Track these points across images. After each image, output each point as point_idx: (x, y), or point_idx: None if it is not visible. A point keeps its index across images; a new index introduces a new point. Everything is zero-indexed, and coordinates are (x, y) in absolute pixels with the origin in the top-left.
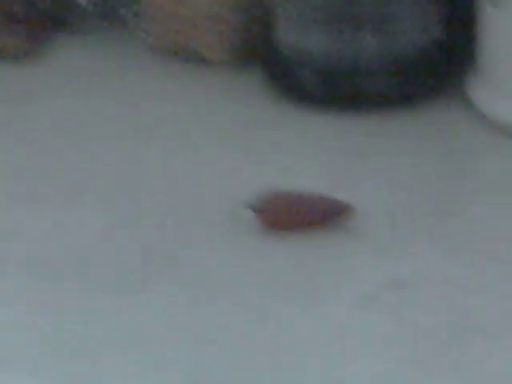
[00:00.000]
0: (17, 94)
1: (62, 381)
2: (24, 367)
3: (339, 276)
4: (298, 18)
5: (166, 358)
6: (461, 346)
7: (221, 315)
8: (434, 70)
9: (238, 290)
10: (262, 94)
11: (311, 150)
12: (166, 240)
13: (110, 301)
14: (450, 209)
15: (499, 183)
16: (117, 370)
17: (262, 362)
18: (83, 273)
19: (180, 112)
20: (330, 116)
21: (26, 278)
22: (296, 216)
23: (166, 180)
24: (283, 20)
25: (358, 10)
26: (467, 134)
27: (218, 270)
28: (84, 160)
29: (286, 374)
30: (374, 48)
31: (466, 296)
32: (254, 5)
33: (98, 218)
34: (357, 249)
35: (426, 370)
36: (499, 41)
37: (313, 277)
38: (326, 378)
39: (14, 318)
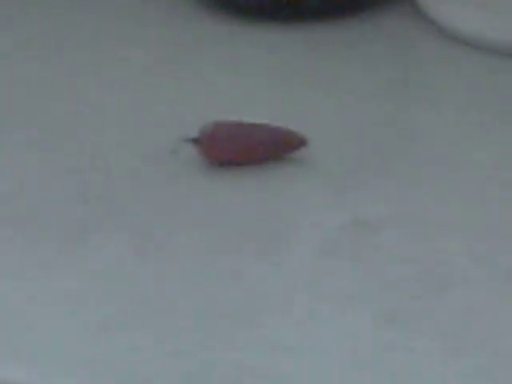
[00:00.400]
0: None
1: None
2: None
3: (295, 218)
4: None
5: (113, 313)
6: (435, 298)
7: (168, 264)
8: None
9: (184, 235)
10: (195, 9)
11: (252, 68)
12: (107, 182)
13: (53, 251)
14: (406, 127)
15: (452, 95)
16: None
17: (214, 315)
18: (22, 220)
19: (111, 28)
20: (270, 29)
21: None
22: (243, 149)
23: (101, 115)
24: None
25: None
26: (417, 43)
27: (162, 215)
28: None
29: (239, 330)
30: None
31: (438, 238)
32: None
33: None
34: (312, 186)
35: (396, 327)
36: None
37: (265, 219)
38: (283, 337)
39: None
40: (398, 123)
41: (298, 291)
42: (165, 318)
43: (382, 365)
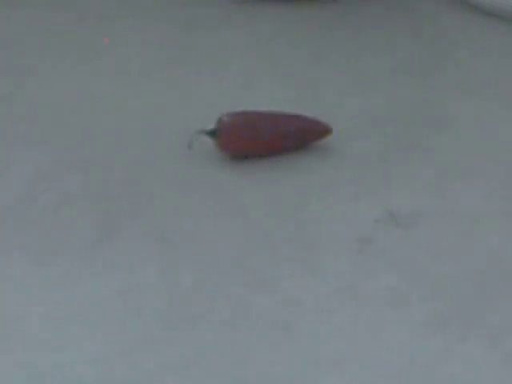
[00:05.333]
0: None
1: None
2: None
3: (326, 213)
4: None
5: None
6: (486, 299)
7: (195, 269)
8: None
9: (210, 235)
10: None
11: (266, 52)
12: (125, 178)
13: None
14: (434, 112)
15: (480, 77)
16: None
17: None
18: (36, 226)
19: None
20: (283, 7)
21: None
22: (264, 140)
23: (116, 112)
24: None
25: None
26: (442, 18)
27: (183, 214)
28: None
29: (275, 342)
30: None
31: (479, 231)
32: None
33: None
34: (340, 176)
35: (447, 332)
36: None
37: (293, 215)
38: (322, 348)
39: None
40: (424, 104)
41: (336, 296)
42: (199, 325)
43: (435, 376)
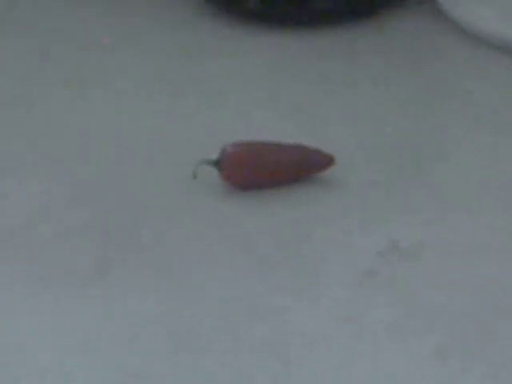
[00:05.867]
0: None
1: None
2: None
3: (328, 245)
4: None
5: None
6: (487, 331)
7: (194, 299)
8: None
9: (209, 265)
10: (200, 14)
11: (265, 81)
12: (126, 209)
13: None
14: (435, 139)
15: (481, 102)
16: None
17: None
18: (32, 255)
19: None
20: (281, 36)
21: None
22: (266, 171)
23: (117, 140)
24: None
25: None
26: (438, 44)
27: (184, 244)
28: None
29: (273, 374)
30: None
31: (483, 263)
32: None
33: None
34: (343, 208)
35: (447, 363)
36: None
37: (296, 246)
38: (323, 381)
39: None
40: (426, 134)
41: (337, 327)
42: (199, 356)
43: None
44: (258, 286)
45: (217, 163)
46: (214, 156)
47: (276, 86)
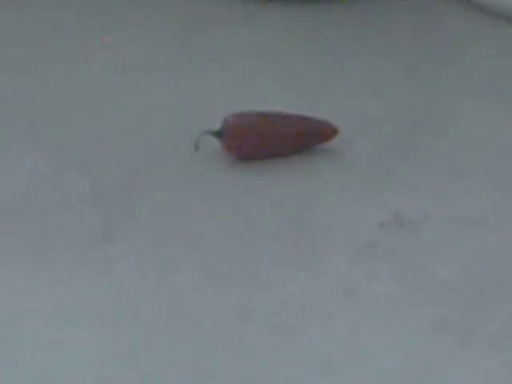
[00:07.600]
0: None
1: None
2: None
3: (331, 217)
4: None
5: None
6: (488, 303)
7: (196, 270)
8: None
9: (212, 238)
10: None
11: (269, 53)
12: (128, 179)
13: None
14: (438, 113)
15: (486, 78)
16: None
17: (247, 326)
18: (35, 227)
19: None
20: (286, 8)
21: None
22: (270, 142)
23: (120, 112)
24: None
25: None
26: (439, 13)
27: (186, 215)
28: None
29: (276, 344)
30: None
31: (483, 235)
32: None
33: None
34: (347, 179)
35: (447, 336)
36: None
37: (299, 218)
38: (324, 350)
39: None
40: (428, 106)
41: (337, 299)
42: (197, 327)
43: (435, 380)
44: (257, 257)
45: (219, 134)
46: (217, 127)
47: (280, 57)
